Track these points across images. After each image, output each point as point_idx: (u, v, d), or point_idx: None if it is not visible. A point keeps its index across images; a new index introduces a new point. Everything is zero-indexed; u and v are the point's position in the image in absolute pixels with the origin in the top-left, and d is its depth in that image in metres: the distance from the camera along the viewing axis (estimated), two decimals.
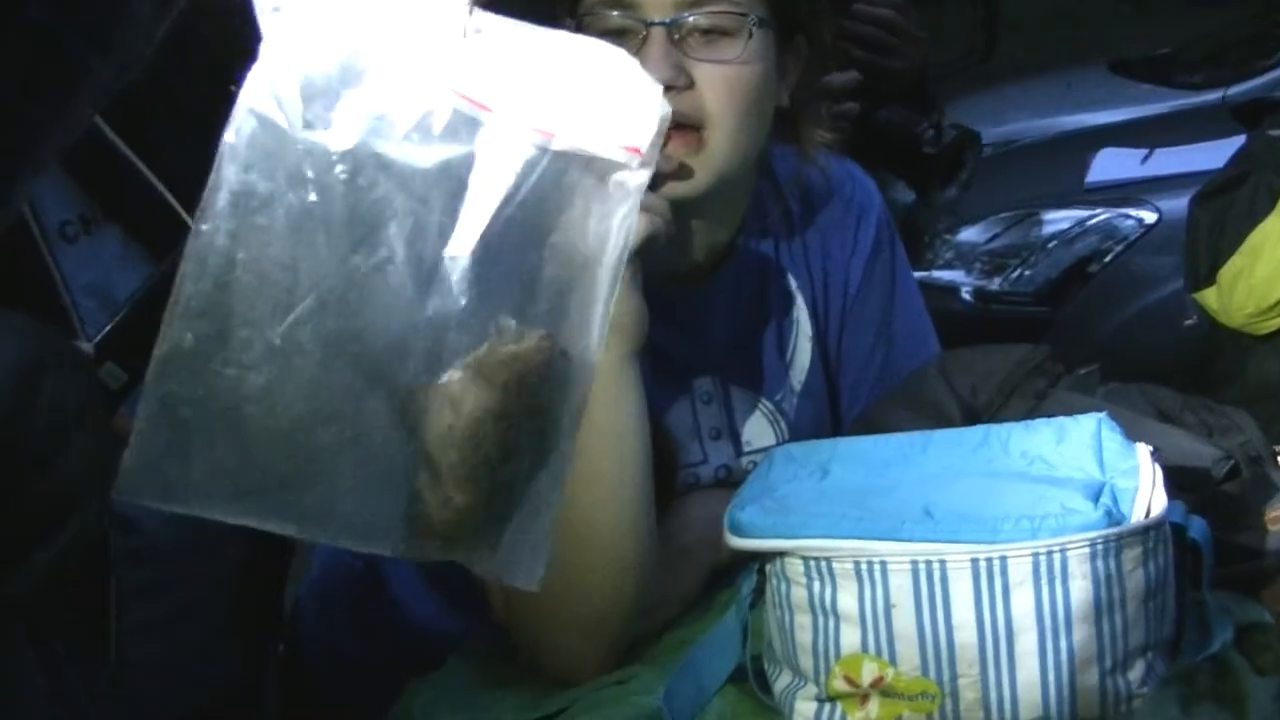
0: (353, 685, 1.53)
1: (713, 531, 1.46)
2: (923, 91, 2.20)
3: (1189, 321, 3.28)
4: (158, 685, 1.31)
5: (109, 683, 1.26)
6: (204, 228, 0.94)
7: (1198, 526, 1.30)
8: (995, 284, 4.10)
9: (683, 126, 1.43)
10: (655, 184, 1.42)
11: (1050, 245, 4.11)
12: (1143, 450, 1.31)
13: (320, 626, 1.65)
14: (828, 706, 1.26)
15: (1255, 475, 1.46)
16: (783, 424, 1.59)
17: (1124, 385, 1.61)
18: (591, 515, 1.39)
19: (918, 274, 1.85)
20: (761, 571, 1.31)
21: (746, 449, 1.58)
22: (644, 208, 1.38)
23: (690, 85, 1.43)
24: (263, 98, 0.95)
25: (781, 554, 1.26)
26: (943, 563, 1.21)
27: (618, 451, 1.40)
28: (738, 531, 1.27)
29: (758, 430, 1.59)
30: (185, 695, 1.35)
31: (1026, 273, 4.09)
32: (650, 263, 1.42)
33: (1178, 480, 1.31)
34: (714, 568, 1.47)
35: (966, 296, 4.12)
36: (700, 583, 1.47)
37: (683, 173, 1.44)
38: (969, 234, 4.16)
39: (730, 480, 1.54)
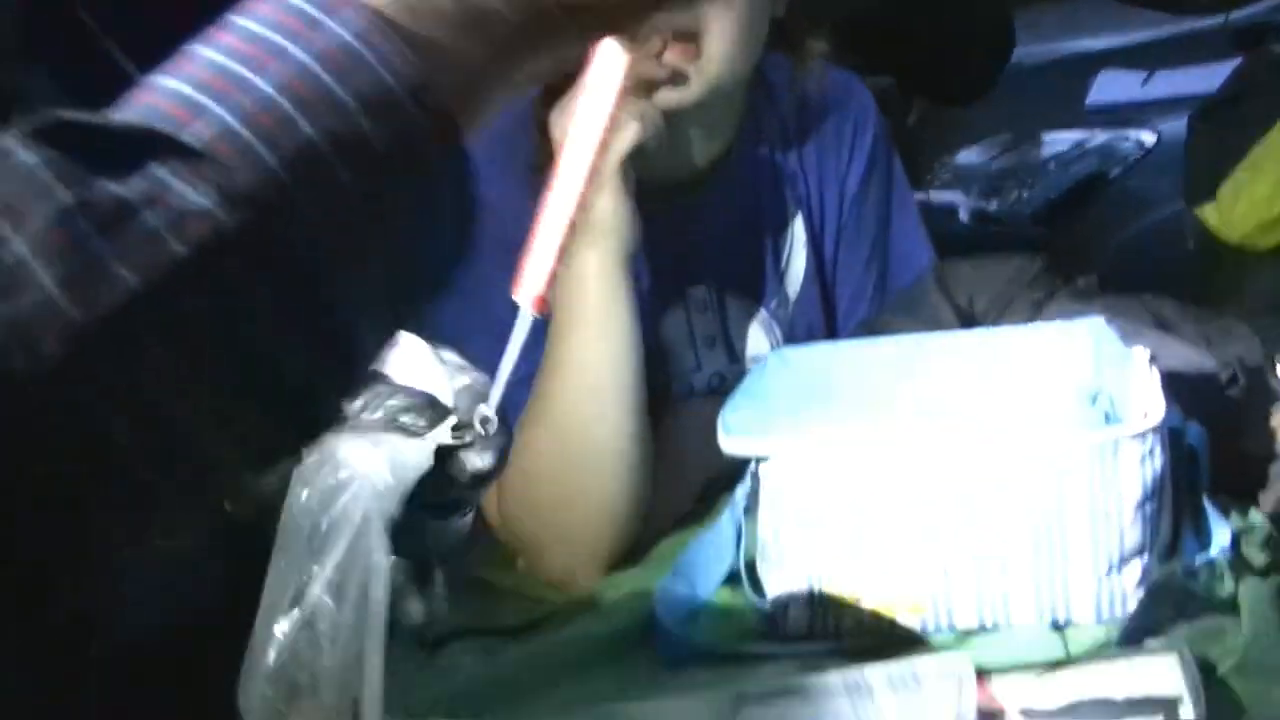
0: None
1: (707, 439, 1.46)
2: None
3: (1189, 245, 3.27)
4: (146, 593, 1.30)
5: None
6: None
7: (1195, 432, 1.30)
8: (993, 205, 4.08)
9: (681, 36, 1.42)
10: (649, 91, 1.41)
11: (1049, 167, 4.09)
12: (1140, 355, 1.31)
13: None
14: (820, 610, 1.26)
15: (1254, 384, 1.46)
16: (778, 332, 1.59)
17: (1122, 295, 1.60)
18: (586, 421, 1.39)
19: (915, 195, 1.84)
20: (755, 475, 1.31)
21: (741, 357, 1.58)
22: (636, 115, 1.38)
23: None
24: None
25: (774, 456, 1.25)
26: (934, 464, 1.20)
27: (610, 357, 1.40)
28: (731, 432, 1.27)
29: (752, 338, 1.58)
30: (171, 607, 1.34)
31: (1025, 194, 4.06)
32: (644, 171, 1.41)
33: (1175, 387, 1.31)
34: (709, 476, 1.47)
35: (964, 218, 4.09)
36: (695, 490, 1.47)
37: (677, 80, 1.43)
38: (968, 155, 4.13)
39: (724, 389, 1.53)
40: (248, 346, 0.59)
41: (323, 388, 0.63)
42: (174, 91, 0.60)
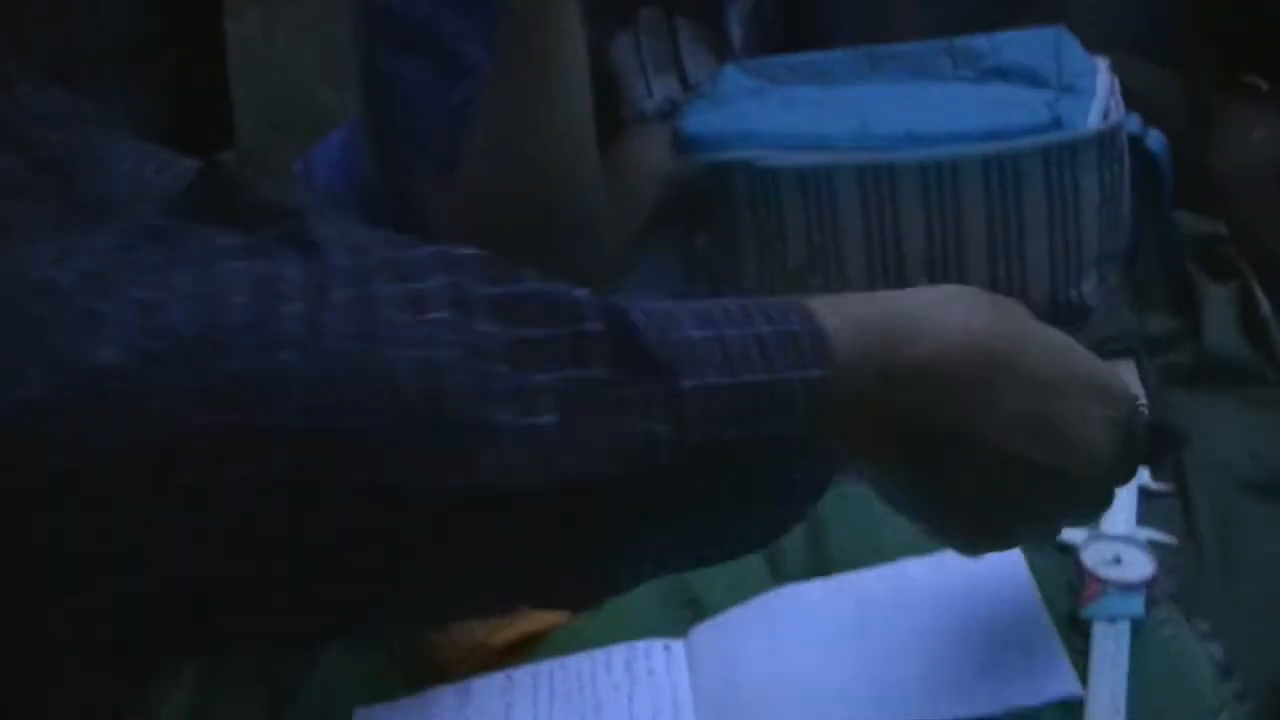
0: None
1: (657, 166, 1.42)
2: None
3: None
4: None
5: None
6: None
7: (1156, 138, 1.26)
8: None
9: None
10: None
11: None
12: (1101, 62, 1.27)
13: None
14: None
15: (1217, 100, 1.42)
16: (735, 45, 1.54)
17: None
18: (534, 148, 1.35)
19: None
20: (706, 196, 1.28)
21: (692, 81, 1.53)
22: None
23: None
24: None
25: (726, 169, 1.22)
26: (891, 171, 1.17)
27: (559, 82, 1.35)
28: (682, 145, 1.23)
29: (704, 62, 1.53)
30: None
31: None
32: None
33: (1138, 96, 1.27)
34: (659, 203, 1.44)
35: None
36: (644, 219, 1.44)
37: None
38: None
39: (676, 114, 1.49)
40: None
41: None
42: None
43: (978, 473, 0.73)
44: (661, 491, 0.63)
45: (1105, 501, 0.79)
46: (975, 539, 0.79)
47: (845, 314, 0.69)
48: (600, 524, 0.63)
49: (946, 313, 0.72)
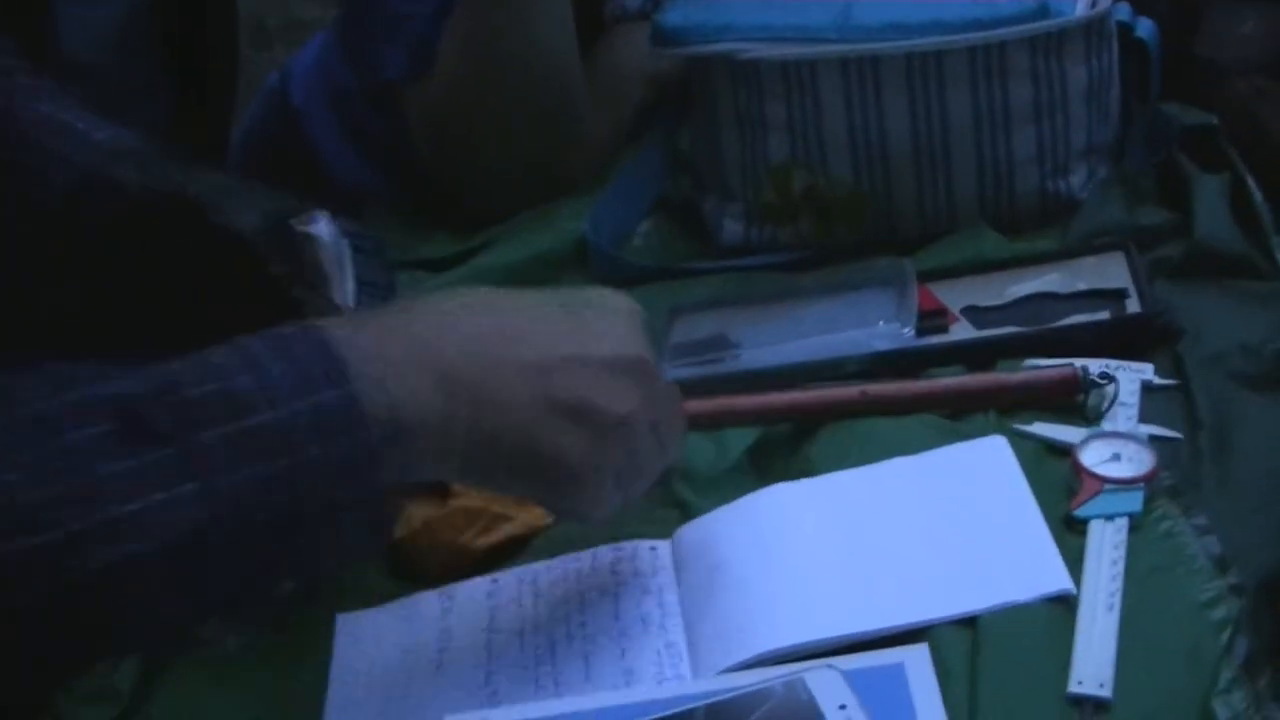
0: None
1: (639, 65, 1.39)
2: None
3: None
4: None
5: None
6: None
7: (1145, 27, 1.24)
8: None
9: None
10: None
11: None
12: None
13: (241, 174, 1.59)
14: (757, 224, 1.22)
15: None
16: None
17: None
18: (514, 44, 1.32)
19: None
20: (687, 90, 1.25)
21: None
22: None
23: None
24: None
25: (706, 62, 1.19)
26: (875, 63, 1.15)
27: None
28: (661, 38, 1.20)
29: None
30: None
31: None
32: None
33: None
34: (642, 102, 1.41)
35: None
36: (627, 118, 1.41)
37: None
38: None
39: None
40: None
41: None
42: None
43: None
44: (217, 542, 0.68)
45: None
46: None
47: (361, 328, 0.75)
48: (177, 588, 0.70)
49: (460, 320, 0.78)
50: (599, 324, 0.82)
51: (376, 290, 0.90)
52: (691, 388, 1.05)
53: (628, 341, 0.82)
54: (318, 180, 1.49)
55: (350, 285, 0.87)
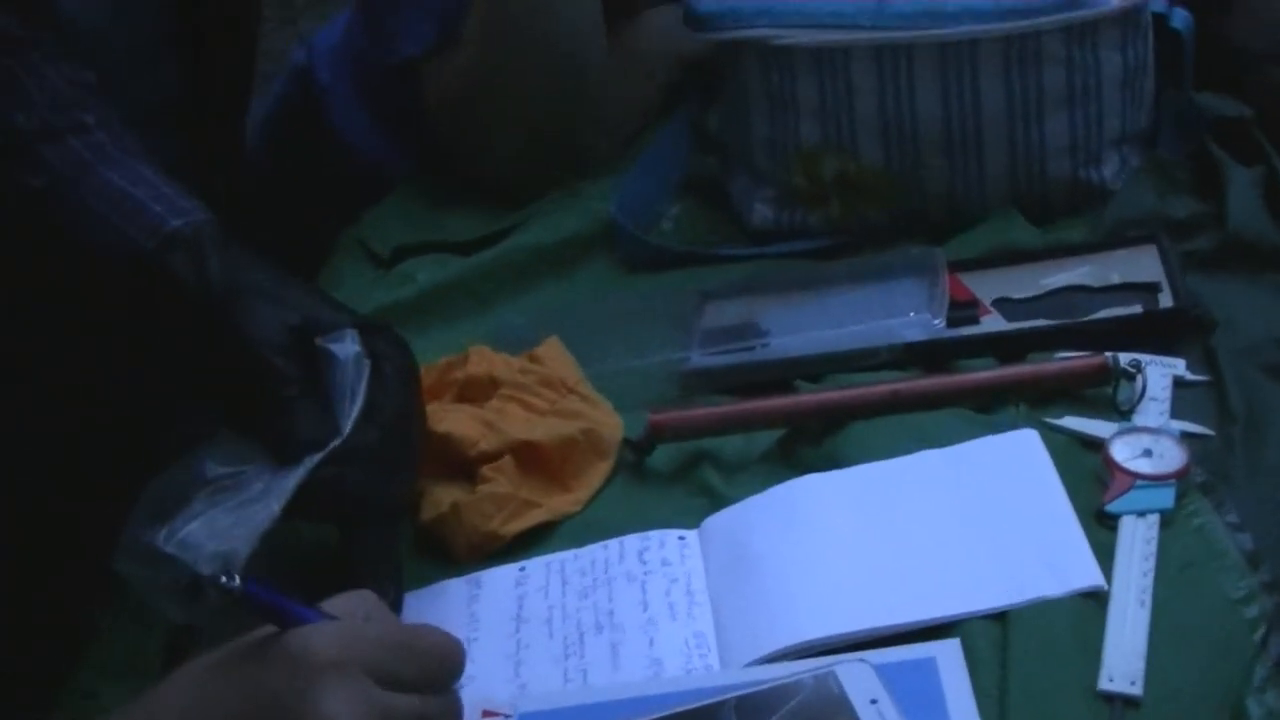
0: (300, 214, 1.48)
1: (670, 46, 1.39)
2: None
3: None
4: None
5: None
6: None
7: (1180, 16, 1.22)
8: None
9: None
10: None
11: None
12: None
13: (265, 155, 1.58)
14: (787, 208, 1.21)
15: None
16: None
17: None
18: (537, 24, 1.31)
19: None
20: (714, 72, 1.25)
21: None
22: None
23: None
24: None
25: (739, 47, 1.19)
26: (909, 49, 1.14)
27: None
28: (695, 22, 1.19)
29: None
30: None
31: None
32: None
33: None
34: (670, 83, 1.40)
35: None
36: (654, 98, 1.41)
37: None
38: None
39: None
40: None
41: None
42: None
43: None
44: None
45: None
46: None
47: None
48: None
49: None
50: None
51: (385, 415, 0.89)
52: (720, 376, 1.06)
53: None
54: (339, 162, 1.49)
55: (357, 407, 0.87)
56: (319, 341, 0.88)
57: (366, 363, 0.88)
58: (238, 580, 0.68)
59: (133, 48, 1.20)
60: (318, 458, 0.84)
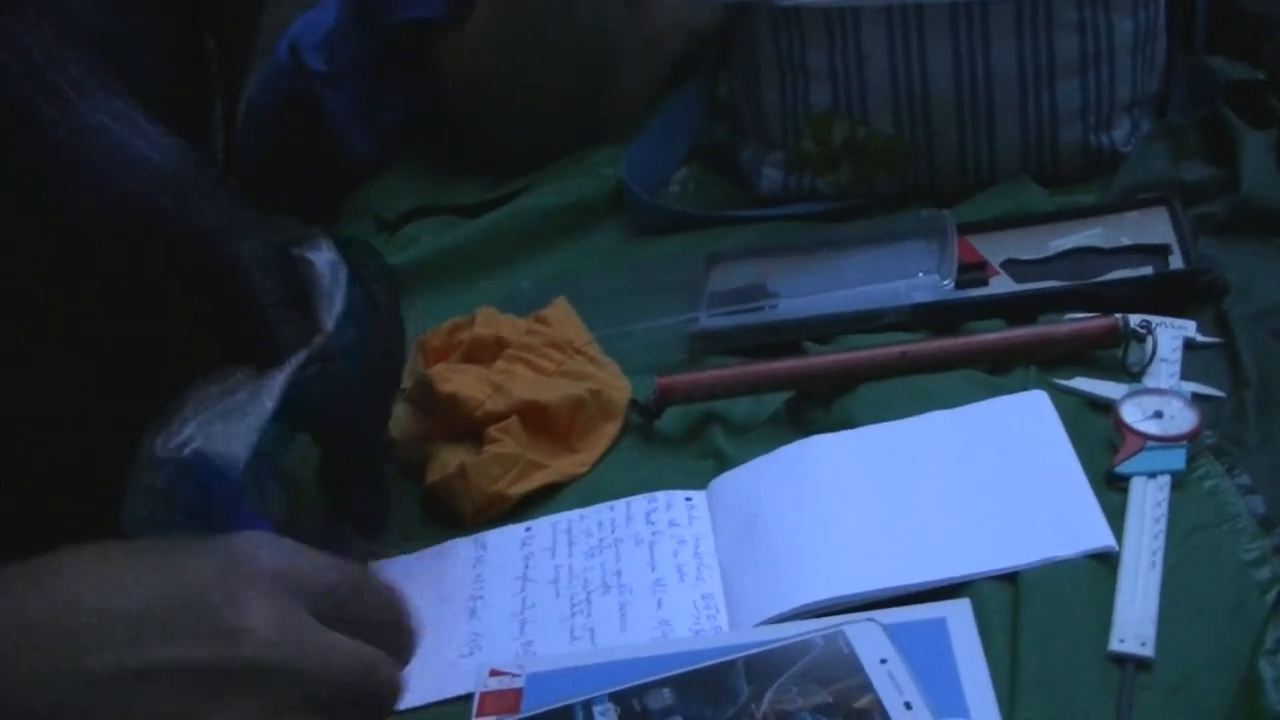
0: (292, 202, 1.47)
1: (678, 18, 1.38)
2: None
3: None
4: None
5: None
6: None
7: None
8: None
9: None
10: None
11: None
12: None
13: (256, 142, 1.57)
14: (796, 173, 1.20)
15: None
16: None
17: None
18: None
19: None
20: (727, 37, 1.24)
21: None
22: None
23: None
24: None
25: (748, 9, 1.18)
26: (920, 11, 1.13)
27: None
28: None
29: None
30: None
31: None
32: None
33: None
34: (681, 53, 1.39)
35: None
36: (664, 70, 1.40)
37: None
38: None
39: None
40: None
41: None
42: None
43: None
44: None
45: None
46: None
47: None
48: None
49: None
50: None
51: (365, 315, 0.88)
52: (728, 337, 1.05)
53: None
54: (327, 149, 1.48)
55: (338, 309, 0.86)
56: (294, 250, 0.87)
57: (344, 268, 0.87)
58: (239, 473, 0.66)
59: (123, 31, 1.19)
60: (303, 355, 0.83)
